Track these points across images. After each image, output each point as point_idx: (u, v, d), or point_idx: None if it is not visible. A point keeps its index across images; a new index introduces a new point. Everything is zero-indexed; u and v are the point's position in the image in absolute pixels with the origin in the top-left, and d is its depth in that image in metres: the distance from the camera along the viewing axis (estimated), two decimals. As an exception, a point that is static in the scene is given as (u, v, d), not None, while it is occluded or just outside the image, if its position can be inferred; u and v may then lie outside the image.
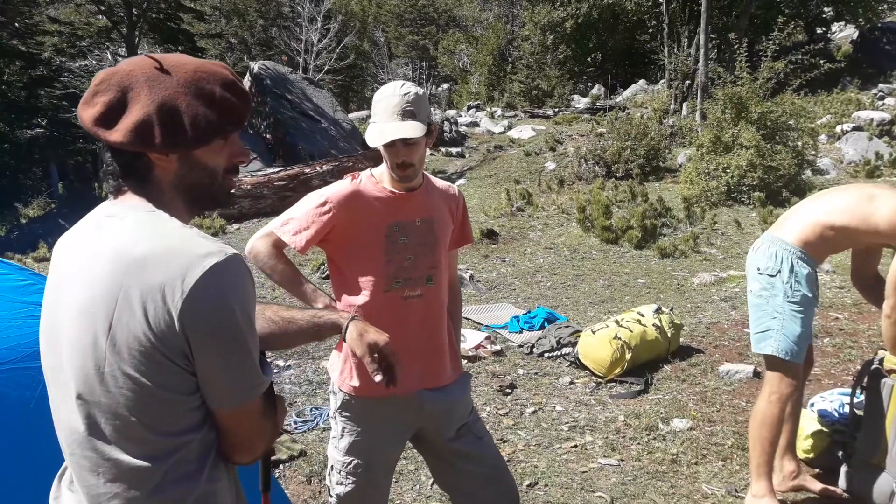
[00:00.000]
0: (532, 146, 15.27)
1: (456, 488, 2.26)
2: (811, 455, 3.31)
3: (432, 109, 2.24)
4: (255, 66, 16.25)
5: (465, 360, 4.80)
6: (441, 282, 2.17)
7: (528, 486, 3.35)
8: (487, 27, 29.94)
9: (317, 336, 1.65)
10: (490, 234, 9.14)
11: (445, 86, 33.00)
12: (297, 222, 2.08)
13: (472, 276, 7.27)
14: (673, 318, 4.96)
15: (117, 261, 1.13)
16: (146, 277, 1.11)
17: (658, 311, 4.96)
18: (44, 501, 1.31)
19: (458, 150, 15.78)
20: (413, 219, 2.11)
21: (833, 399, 3.48)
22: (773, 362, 2.84)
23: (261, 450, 1.29)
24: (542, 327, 5.51)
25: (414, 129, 1.98)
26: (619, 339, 4.60)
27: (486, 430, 2.31)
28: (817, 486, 3.09)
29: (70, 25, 20.47)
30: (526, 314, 5.85)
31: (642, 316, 4.88)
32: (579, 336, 4.91)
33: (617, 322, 4.81)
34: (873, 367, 2.98)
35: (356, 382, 2.11)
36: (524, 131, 16.96)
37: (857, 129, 13.06)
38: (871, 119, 13.48)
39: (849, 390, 3.21)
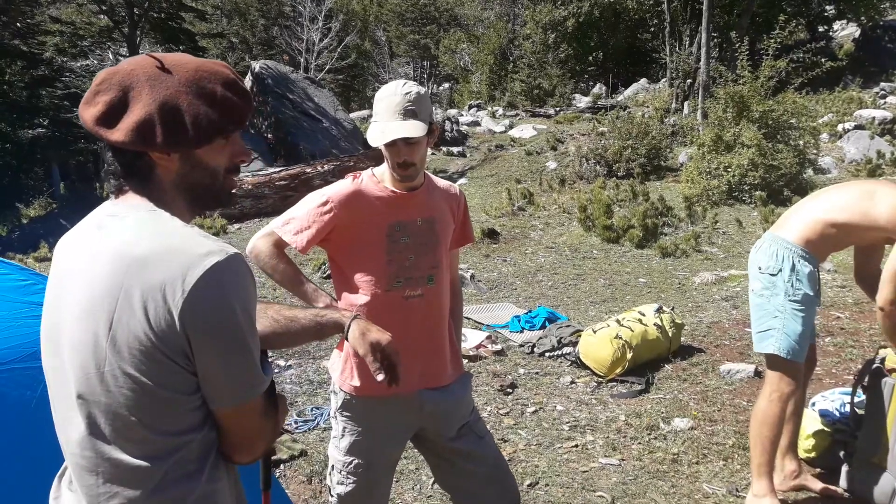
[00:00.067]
0: (533, 145, 15.26)
1: (457, 488, 2.26)
2: (812, 454, 3.31)
3: (434, 109, 2.24)
4: (257, 65, 16.27)
5: (466, 360, 4.80)
6: (442, 281, 2.17)
7: (528, 485, 3.35)
8: (489, 26, 29.92)
9: (319, 335, 1.66)
10: (491, 234, 9.14)
11: (447, 85, 33.00)
12: (298, 222, 2.08)
13: (473, 276, 7.27)
14: (674, 318, 4.96)
15: (118, 260, 1.13)
16: (147, 277, 1.11)
17: (659, 310, 4.95)
18: (44, 501, 1.31)
19: (460, 149, 15.78)
20: (414, 218, 2.11)
21: (834, 398, 3.48)
22: (774, 361, 2.84)
23: (261, 449, 1.29)
24: (542, 327, 5.51)
25: (415, 129, 1.98)
26: (620, 338, 4.60)
27: (487, 429, 2.31)
28: (818, 485, 3.09)
29: (72, 25, 20.49)
30: (527, 314, 5.85)
31: (643, 315, 4.87)
32: (580, 335, 4.91)
33: (618, 321, 4.81)
34: (874, 366, 2.99)
35: (357, 382, 2.11)
36: (525, 130, 16.94)
37: (858, 127, 13.03)
38: (873, 118, 13.46)
39: (850, 389, 3.21)
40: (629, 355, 4.56)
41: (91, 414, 1.16)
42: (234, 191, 1.32)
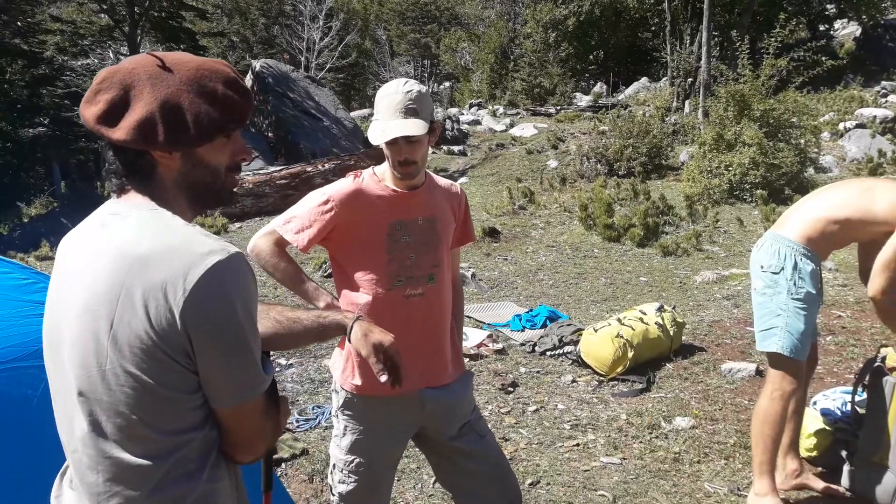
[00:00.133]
0: (534, 144, 15.25)
1: (458, 487, 2.26)
2: (814, 453, 3.31)
3: (434, 107, 2.24)
4: (257, 64, 16.27)
5: (467, 359, 4.80)
6: (443, 280, 2.17)
7: (530, 484, 3.35)
8: (489, 25, 29.91)
9: (322, 336, 1.66)
10: (492, 233, 9.14)
11: (447, 84, 33.01)
12: (299, 221, 2.08)
13: (473, 275, 7.26)
14: (675, 317, 4.95)
15: (120, 259, 1.13)
16: (148, 275, 1.11)
17: (660, 309, 4.95)
18: (45, 500, 1.31)
19: (460, 148, 15.77)
20: (415, 217, 2.11)
21: (836, 397, 3.47)
22: (776, 359, 2.84)
23: (262, 449, 1.29)
24: (544, 326, 5.51)
25: (416, 127, 1.98)
26: (622, 337, 4.59)
27: (489, 428, 2.31)
28: (820, 484, 3.09)
29: (72, 24, 20.52)
30: (528, 312, 5.85)
31: (644, 314, 4.87)
32: (581, 334, 4.91)
33: (619, 320, 4.80)
34: (876, 364, 2.98)
35: (358, 381, 2.10)
36: (526, 129, 16.94)
37: (859, 126, 13.02)
38: (874, 116, 13.45)
39: (851, 388, 3.21)
40: (630, 354, 4.56)
41: (92, 412, 1.16)
42: (235, 189, 1.32)
